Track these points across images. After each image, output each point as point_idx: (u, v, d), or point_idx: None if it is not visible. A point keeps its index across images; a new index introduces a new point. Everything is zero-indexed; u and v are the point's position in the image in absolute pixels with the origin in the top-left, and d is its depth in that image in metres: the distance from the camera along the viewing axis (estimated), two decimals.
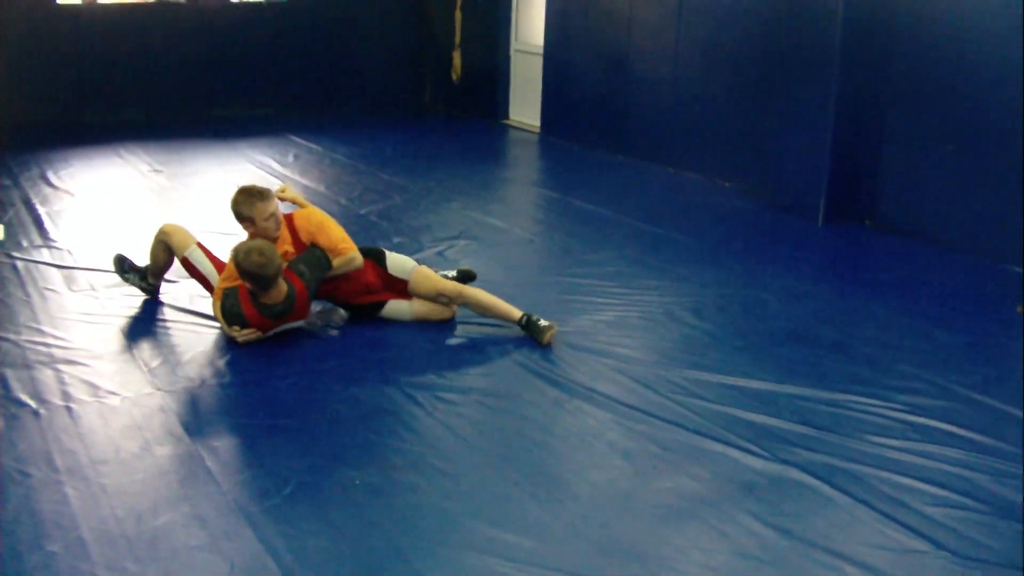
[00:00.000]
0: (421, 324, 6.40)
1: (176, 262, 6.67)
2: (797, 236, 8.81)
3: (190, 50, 13.88)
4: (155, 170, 10.84)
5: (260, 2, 14.42)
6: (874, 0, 8.78)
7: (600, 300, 6.96)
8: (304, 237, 6.24)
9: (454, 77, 14.80)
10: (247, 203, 6.14)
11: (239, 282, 5.97)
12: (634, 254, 8.07)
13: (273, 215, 6.13)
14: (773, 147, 9.68)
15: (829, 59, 8.88)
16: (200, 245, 6.59)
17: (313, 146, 12.20)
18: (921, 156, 8.69)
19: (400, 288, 6.45)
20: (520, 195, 10.52)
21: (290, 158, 11.54)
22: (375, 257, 6.48)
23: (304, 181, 10.33)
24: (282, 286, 5.90)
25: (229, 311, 5.97)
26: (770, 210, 9.56)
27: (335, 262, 6.21)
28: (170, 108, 13.80)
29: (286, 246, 6.21)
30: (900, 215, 8.90)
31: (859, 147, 9.06)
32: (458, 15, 14.60)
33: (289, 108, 14.46)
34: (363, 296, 6.44)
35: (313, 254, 6.17)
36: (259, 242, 5.87)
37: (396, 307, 6.46)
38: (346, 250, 6.26)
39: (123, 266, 6.90)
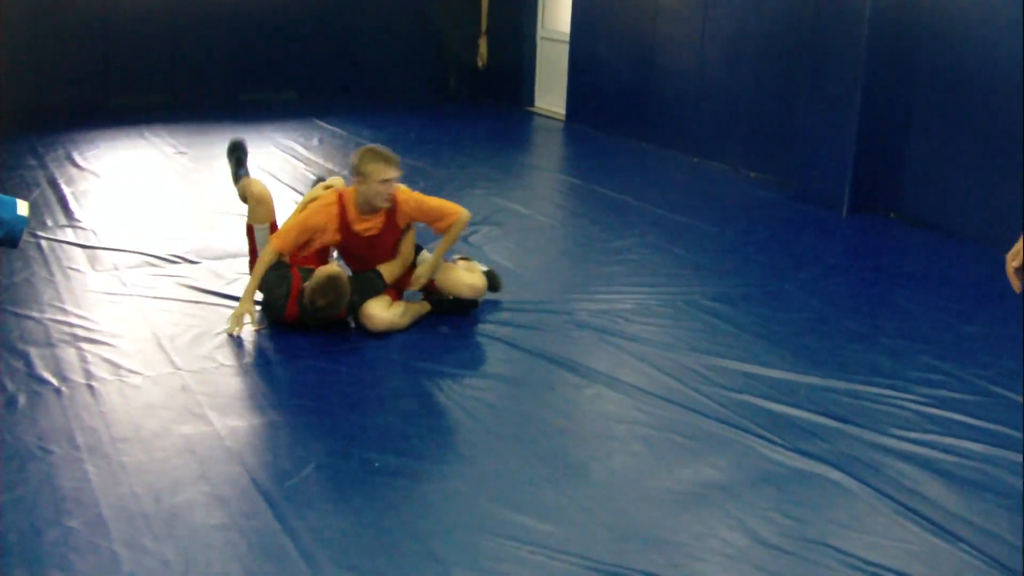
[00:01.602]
0: (439, 314, 6.37)
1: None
2: (821, 227, 8.77)
3: (217, 33, 13.91)
4: (180, 152, 10.88)
5: None
6: None
7: (622, 287, 6.95)
8: (401, 218, 6.13)
9: (480, 63, 14.78)
10: (372, 159, 5.91)
11: (296, 255, 6.08)
12: (657, 242, 8.05)
13: (388, 182, 5.90)
14: (798, 137, 9.63)
15: (856, 49, 8.83)
16: (273, 224, 6.45)
17: (338, 130, 12.22)
18: (946, 148, 8.64)
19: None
20: (544, 182, 10.50)
21: (315, 142, 11.56)
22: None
23: (328, 165, 10.34)
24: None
25: (274, 300, 5.93)
26: (794, 200, 9.52)
27: (454, 228, 6.15)
28: (196, 91, 13.83)
29: (377, 221, 6.07)
30: (924, 207, 8.85)
31: (884, 139, 9.01)
32: (485, 2, 14.58)
33: (315, 92, 14.48)
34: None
35: (372, 281, 6.10)
36: (330, 275, 5.73)
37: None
38: (453, 211, 6.16)
39: (237, 154, 6.97)
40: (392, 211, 6.08)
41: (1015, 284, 3.77)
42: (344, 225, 6.04)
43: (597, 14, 12.62)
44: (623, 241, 8.05)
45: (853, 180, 9.07)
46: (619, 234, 8.26)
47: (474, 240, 7.83)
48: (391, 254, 6.21)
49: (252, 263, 6.43)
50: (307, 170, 10.07)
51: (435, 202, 6.20)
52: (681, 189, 10.01)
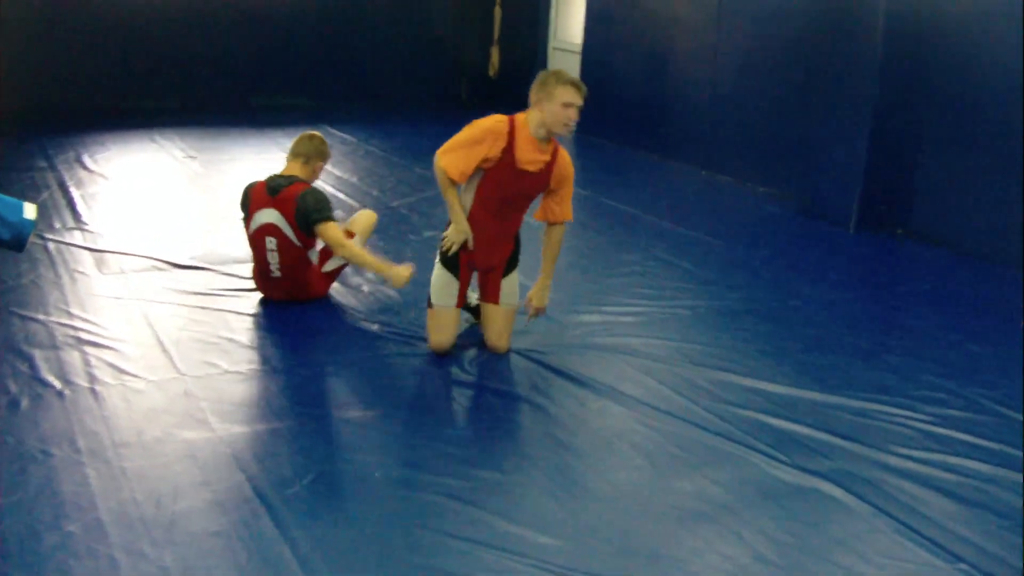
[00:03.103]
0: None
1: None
2: (829, 243, 8.78)
3: (229, 38, 13.93)
4: (189, 156, 10.89)
5: None
6: (916, 10, 8.73)
7: (628, 300, 6.95)
8: (557, 170, 5.78)
9: (491, 73, 14.80)
10: (558, 81, 5.58)
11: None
12: (664, 255, 8.04)
13: (571, 106, 5.58)
14: (808, 153, 9.63)
15: (868, 67, 8.84)
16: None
17: (348, 137, 12.23)
18: (956, 166, 8.63)
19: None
20: None
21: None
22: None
23: (337, 172, 10.35)
24: None
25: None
26: (803, 216, 9.52)
27: (559, 233, 6.05)
28: (207, 96, 13.86)
29: (541, 159, 5.69)
30: (933, 225, 8.84)
31: (894, 156, 9.01)
32: (497, 11, 14.61)
33: (326, 99, 14.48)
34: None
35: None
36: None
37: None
38: (571, 216, 6.02)
39: None
40: (555, 155, 5.71)
41: None
42: (509, 148, 5.58)
43: (610, 25, 12.63)
44: (630, 254, 8.05)
45: (862, 196, 9.06)
46: (626, 247, 8.26)
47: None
48: (524, 210, 5.90)
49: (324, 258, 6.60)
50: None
51: (571, 193, 5.92)
52: (690, 202, 10.00)
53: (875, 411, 5.38)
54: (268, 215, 6.37)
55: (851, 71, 9.01)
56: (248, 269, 6.99)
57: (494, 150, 5.55)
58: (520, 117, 5.64)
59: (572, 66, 13.44)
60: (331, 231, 6.26)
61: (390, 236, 8.05)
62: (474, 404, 5.28)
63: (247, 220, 6.51)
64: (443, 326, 5.83)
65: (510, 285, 5.98)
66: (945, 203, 8.75)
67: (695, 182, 10.92)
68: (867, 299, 7.38)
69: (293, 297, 6.56)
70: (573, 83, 5.55)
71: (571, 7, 13.78)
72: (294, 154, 6.54)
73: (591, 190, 10.32)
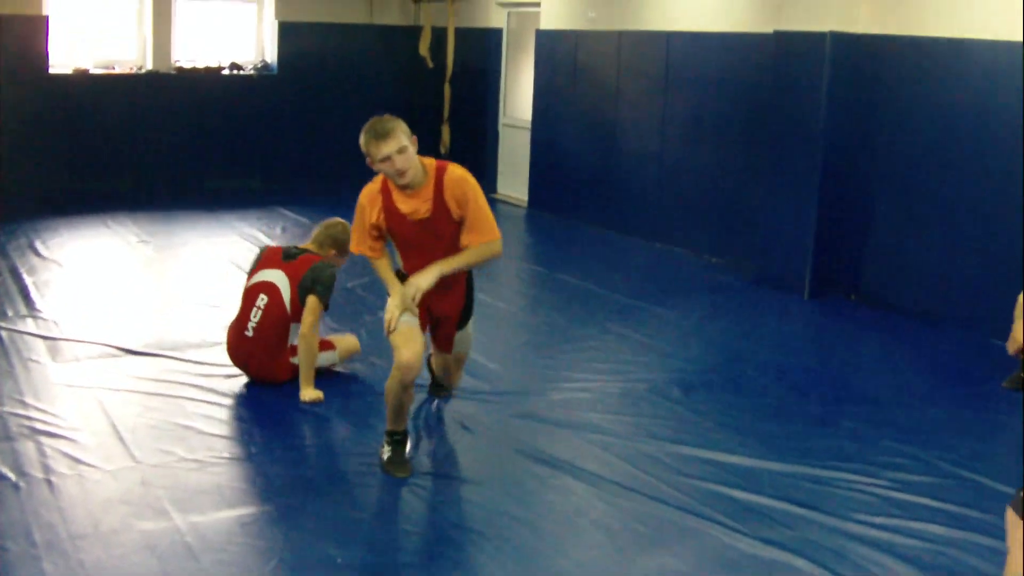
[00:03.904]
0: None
1: None
2: (783, 310, 8.86)
3: (180, 121, 13.94)
4: (143, 241, 10.85)
5: (250, 73, 14.53)
6: (858, 75, 8.89)
7: (585, 375, 6.95)
8: (449, 198, 5.27)
9: (442, 151, 14.87)
10: (365, 140, 5.20)
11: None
12: (619, 329, 8.07)
13: (389, 159, 5.13)
14: (759, 222, 9.73)
15: (814, 133, 8.98)
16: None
17: (302, 219, 12.22)
18: (905, 230, 8.74)
19: None
20: (506, 269, 10.52)
21: (278, 230, 11.56)
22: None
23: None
24: None
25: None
26: (756, 284, 9.60)
27: (481, 249, 5.34)
28: (160, 179, 13.83)
29: (423, 203, 5.28)
30: (885, 289, 8.94)
31: (844, 221, 9.12)
32: (447, 89, 14.73)
33: (280, 180, 14.49)
34: None
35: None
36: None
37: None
38: (492, 231, 5.35)
39: None
40: (439, 186, 5.28)
41: None
42: (388, 205, 5.31)
43: (558, 100, 12.75)
44: (585, 329, 8.07)
45: (814, 263, 9.16)
46: (582, 321, 8.28)
47: None
48: (454, 248, 5.36)
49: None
50: None
51: (483, 209, 5.33)
52: (643, 275, 10.05)
53: (834, 478, 5.40)
54: (272, 275, 6.53)
55: (797, 138, 9.14)
56: (203, 354, 6.97)
57: (375, 213, 5.33)
58: None
59: (523, 142, 13.54)
60: (313, 309, 6.37)
61: (345, 316, 8.03)
62: (433, 486, 5.25)
63: (249, 275, 6.68)
64: (410, 338, 5.25)
65: (464, 336, 5.85)
66: (895, 267, 8.85)
67: (648, 254, 10.99)
68: (822, 365, 7.43)
69: (251, 369, 6.57)
70: (376, 135, 5.16)
71: (520, 84, 13.92)
72: (311, 238, 6.70)
73: (544, 266, 10.37)
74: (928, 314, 8.52)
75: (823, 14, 8.92)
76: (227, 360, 6.73)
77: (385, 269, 5.46)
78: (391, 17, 15.31)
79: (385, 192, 5.33)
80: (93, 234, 11.15)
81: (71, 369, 6.77)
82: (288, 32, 14.60)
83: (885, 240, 8.93)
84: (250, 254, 10.16)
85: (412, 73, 15.29)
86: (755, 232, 9.81)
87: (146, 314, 8.11)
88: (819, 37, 8.90)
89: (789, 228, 9.30)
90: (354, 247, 5.51)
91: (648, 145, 11.44)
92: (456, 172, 5.33)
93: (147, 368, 6.83)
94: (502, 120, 14.15)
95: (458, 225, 5.33)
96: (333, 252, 6.66)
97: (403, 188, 5.27)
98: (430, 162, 5.34)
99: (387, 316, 5.28)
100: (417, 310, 5.30)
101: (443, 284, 5.38)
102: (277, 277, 6.50)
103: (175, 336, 7.49)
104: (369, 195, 5.38)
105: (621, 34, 11.74)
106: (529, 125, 13.38)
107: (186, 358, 7.01)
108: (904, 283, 8.78)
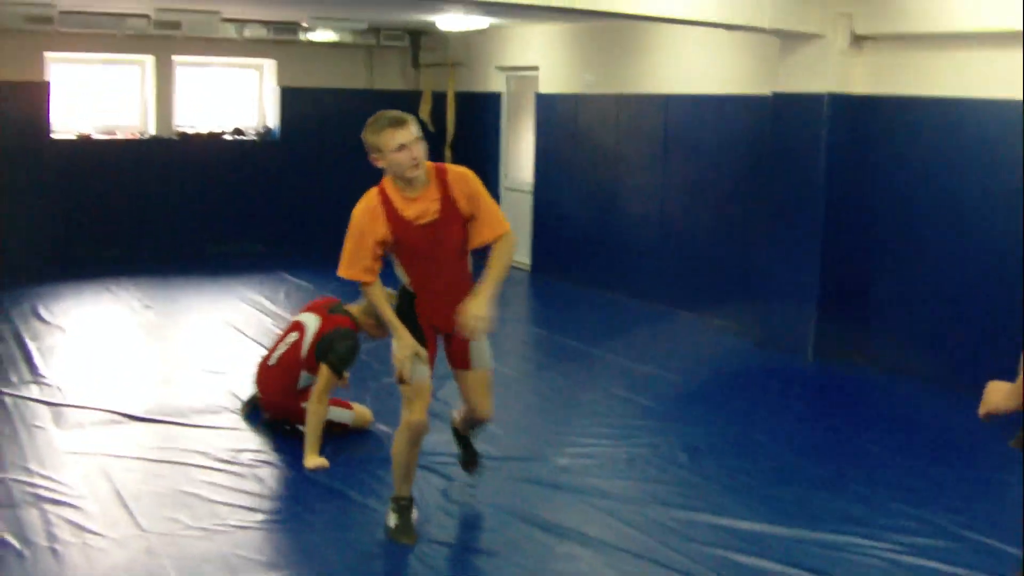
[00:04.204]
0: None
1: None
2: (787, 373, 8.85)
3: (182, 186, 14.01)
4: (146, 306, 10.86)
5: (252, 139, 14.61)
6: (857, 135, 8.95)
7: (590, 440, 6.93)
8: (458, 195, 5.10)
9: None
10: (376, 129, 4.98)
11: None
12: (623, 392, 8.05)
13: (405, 147, 4.92)
14: (761, 284, 9.75)
15: (814, 194, 9.04)
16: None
17: (304, 283, 12.24)
18: (909, 290, 8.74)
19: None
20: (510, 334, 10.52)
21: (281, 295, 11.56)
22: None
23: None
24: None
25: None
26: (760, 347, 9.59)
27: (505, 248, 5.20)
28: (162, 244, 13.88)
29: (430, 203, 5.08)
30: (890, 351, 8.93)
31: (847, 282, 9.14)
32: (448, 153, 14.79)
33: (282, 245, 14.53)
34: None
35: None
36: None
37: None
38: (503, 222, 5.21)
39: None
40: (444, 185, 5.09)
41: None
42: (392, 215, 5.05)
43: (559, 164, 12.81)
44: (589, 393, 8.06)
45: (817, 325, 9.16)
46: (585, 386, 8.27)
47: (441, 395, 7.72)
48: (462, 253, 5.24)
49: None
50: (273, 324, 10.06)
51: (491, 202, 5.20)
52: (646, 338, 10.05)
53: (844, 543, 5.36)
54: (309, 319, 6.78)
55: (797, 200, 9.18)
56: (208, 419, 7.00)
57: (380, 226, 5.05)
58: (386, 180, 5.13)
59: (524, 205, 13.58)
60: (325, 378, 6.42)
61: (349, 382, 8.01)
62: (440, 554, 5.21)
63: (300, 311, 7.05)
64: (422, 393, 5.14)
65: (479, 348, 5.38)
66: (899, 328, 8.85)
67: (650, 317, 10.99)
68: (828, 428, 7.41)
69: (263, 397, 6.83)
70: (392, 123, 4.93)
71: (521, 148, 13.99)
72: (362, 303, 6.65)
73: (548, 329, 10.38)
74: (932, 376, 8.49)
75: (820, 75, 9.00)
76: (231, 425, 6.85)
77: (383, 302, 5.18)
78: (391, 82, 15.44)
79: (386, 203, 5.07)
80: (96, 299, 11.17)
81: (75, 435, 6.75)
82: (289, 97, 14.73)
83: (888, 300, 8.93)
84: (252, 319, 10.19)
85: None
86: (758, 294, 9.82)
87: (150, 380, 8.11)
88: (817, 99, 8.98)
89: (792, 289, 9.31)
90: (345, 271, 5.19)
91: (649, 207, 11.48)
92: (458, 168, 5.18)
93: (151, 434, 6.82)
94: (503, 184, 14.20)
95: (464, 225, 5.16)
96: (373, 322, 6.65)
97: (407, 189, 5.03)
98: (428, 163, 5.10)
99: (398, 364, 5.07)
100: (427, 355, 5.14)
101: (448, 295, 5.18)
102: (311, 322, 6.73)
103: (179, 402, 7.47)
104: (367, 211, 5.08)
105: (619, 97, 11.83)
106: (531, 189, 13.43)
107: (190, 424, 7.00)
108: (909, 344, 8.76)
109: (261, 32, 13.66)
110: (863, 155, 8.98)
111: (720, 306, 10.63)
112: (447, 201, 5.08)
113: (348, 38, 14.14)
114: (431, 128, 14.88)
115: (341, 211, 15.40)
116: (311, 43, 14.35)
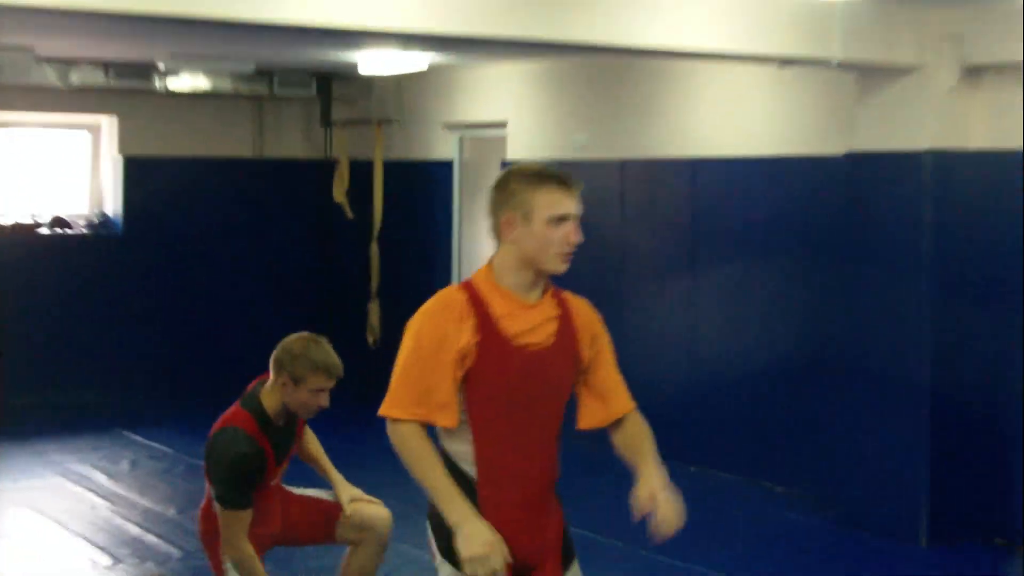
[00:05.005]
0: None
1: None
2: (891, 564, 8.79)
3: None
4: None
5: (82, 232, 14.46)
6: (972, 209, 8.96)
7: None
8: (581, 325, 4.83)
9: (371, 340, 14.65)
10: (526, 181, 4.66)
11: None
12: None
13: (566, 221, 4.69)
14: (842, 436, 9.64)
15: (916, 300, 9.02)
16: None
17: (160, 447, 12.10)
18: None
19: None
20: None
21: (124, 466, 11.40)
22: None
23: (144, 502, 10.04)
24: None
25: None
26: (845, 526, 9.52)
27: (638, 421, 5.15)
28: None
29: (546, 321, 4.72)
30: None
31: (971, 434, 9.03)
32: (374, 249, 14.61)
33: (123, 392, 14.38)
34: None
35: None
36: None
37: None
38: (628, 396, 5.09)
39: None
40: (564, 307, 4.80)
41: None
42: (486, 322, 4.57)
43: None
44: None
45: (932, 497, 9.04)
46: None
47: None
48: (560, 422, 4.79)
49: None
50: (113, 510, 9.76)
51: (614, 357, 5.01)
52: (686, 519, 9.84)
53: None
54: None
55: (887, 313, 9.17)
56: None
57: (466, 333, 4.52)
58: (479, 273, 4.71)
59: None
60: (222, 519, 6.10)
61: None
62: None
63: None
64: None
65: None
66: None
67: (684, 484, 10.73)
68: None
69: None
70: (561, 179, 4.68)
71: (482, 242, 13.87)
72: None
73: None
74: None
75: (918, 124, 9.03)
76: None
77: (438, 469, 4.55)
78: (290, 148, 15.47)
79: (477, 303, 4.58)
80: None
81: None
82: (137, 172, 14.70)
83: None
84: (81, 505, 9.90)
85: (323, 228, 15.42)
86: (837, 453, 9.73)
87: None
88: (914, 158, 8.98)
89: (890, 444, 9.18)
90: (399, 409, 4.51)
91: (672, 327, 11.46)
92: (581, 299, 4.90)
93: None
94: None
95: (573, 375, 4.80)
96: (283, 380, 6.19)
97: (524, 290, 4.64)
98: None
99: (477, 568, 4.42)
100: (505, 561, 4.50)
101: (535, 510, 4.74)
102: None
103: None
104: (446, 307, 4.57)
105: (625, 164, 11.90)
106: None
107: None
108: None
109: (97, 77, 13.53)
110: (985, 238, 8.93)
111: (778, 466, 10.64)
112: (567, 327, 4.75)
113: (226, 85, 13.92)
114: (349, 214, 14.79)
115: (212, 339, 15.23)
116: (171, 94, 14.18)
